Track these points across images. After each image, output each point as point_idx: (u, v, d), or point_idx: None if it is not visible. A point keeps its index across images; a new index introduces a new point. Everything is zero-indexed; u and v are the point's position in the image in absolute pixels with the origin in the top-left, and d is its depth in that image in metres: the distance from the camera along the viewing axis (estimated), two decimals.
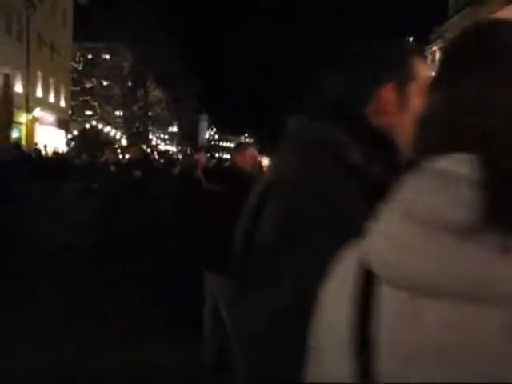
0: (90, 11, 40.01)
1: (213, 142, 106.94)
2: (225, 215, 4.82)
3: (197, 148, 8.44)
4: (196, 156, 6.96)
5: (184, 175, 6.35)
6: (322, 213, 1.08)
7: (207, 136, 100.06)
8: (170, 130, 66.28)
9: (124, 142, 42.00)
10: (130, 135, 44.21)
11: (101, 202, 8.30)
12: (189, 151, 6.95)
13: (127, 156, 12.76)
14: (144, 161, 9.34)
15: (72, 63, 41.92)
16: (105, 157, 9.65)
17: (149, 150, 30.38)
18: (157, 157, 20.63)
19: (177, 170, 6.65)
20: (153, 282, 6.72)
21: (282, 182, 1.17)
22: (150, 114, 49.35)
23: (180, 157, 50.03)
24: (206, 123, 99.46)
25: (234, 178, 4.87)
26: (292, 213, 1.11)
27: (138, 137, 44.20)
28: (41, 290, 6.94)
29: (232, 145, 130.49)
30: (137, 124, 47.73)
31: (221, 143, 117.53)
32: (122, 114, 45.59)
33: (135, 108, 47.21)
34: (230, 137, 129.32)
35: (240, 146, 5.20)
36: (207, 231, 4.64)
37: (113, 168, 8.94)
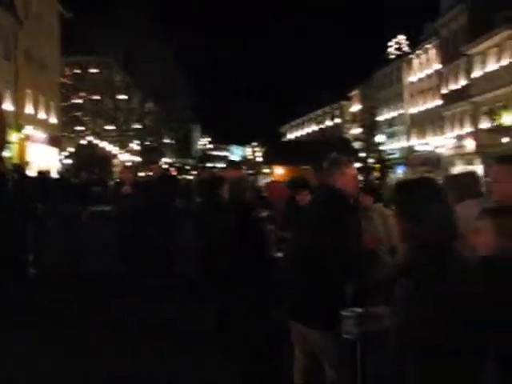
0: (76, 24, 39.09)
1: (206, 152, 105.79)
2: (330, 259, 3.32)
3: (233, 164, 7.41)
4: (229, 173, 5.93)
5: (236, 203, 4.98)
6: None
7: (200, 146, 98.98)
8: (162, 141, 65.23)
9: (121, 156, 40.85)
10: (143, 151, 43.11)
11: (127, 228, 7.50)
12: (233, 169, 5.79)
13: (141, 174, 11.89)
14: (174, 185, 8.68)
15: (61, 78, 40.82)
16: (120, 177, 8.83)
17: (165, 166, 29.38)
18: (175, 173, 19.59)
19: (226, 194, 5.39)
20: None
21: None
22: (140, 126, 48.37)
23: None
24: (198, 133, 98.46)
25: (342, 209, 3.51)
26: None
27: (152, 152, 43.19)
28: None
29: (227, 154, 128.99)
30: (150, 139, 46.68)
31: (214, 152, 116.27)
32: (114, 128, 44.48)
33: (147, 121, 46.25)
34: (223, 146, 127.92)
35: (340, 163, 3.72)
36: (304, 279, 3.55)
37: (129, 189, 8.07)
